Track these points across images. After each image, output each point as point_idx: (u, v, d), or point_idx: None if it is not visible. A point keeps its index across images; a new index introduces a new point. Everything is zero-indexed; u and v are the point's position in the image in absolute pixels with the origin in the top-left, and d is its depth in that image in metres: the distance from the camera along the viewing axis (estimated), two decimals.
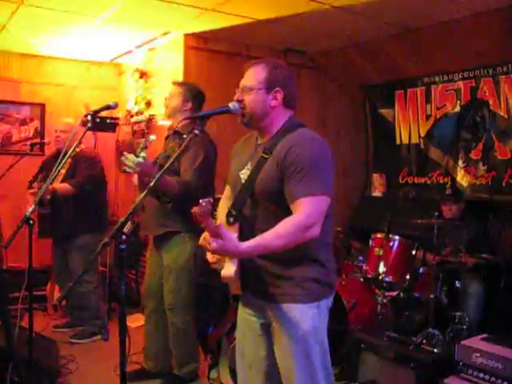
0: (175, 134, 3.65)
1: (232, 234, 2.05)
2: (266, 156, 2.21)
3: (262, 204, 2.23)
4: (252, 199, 2.25)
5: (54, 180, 3.42)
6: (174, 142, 3.61)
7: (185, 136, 3.35)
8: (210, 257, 2.29)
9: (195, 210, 1.87)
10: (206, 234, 2.08)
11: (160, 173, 2.17)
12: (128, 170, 3.18)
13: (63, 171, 4.62)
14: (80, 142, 4.69)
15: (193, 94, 3.70)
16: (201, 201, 1.85)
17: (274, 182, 2.16)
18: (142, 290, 3.84)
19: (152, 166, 3.25)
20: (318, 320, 2.25)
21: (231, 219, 2.25)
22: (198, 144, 3.42)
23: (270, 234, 2.05)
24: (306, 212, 2.06)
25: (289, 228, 2.04)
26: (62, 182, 4.59)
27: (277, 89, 2.24)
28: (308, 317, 2.22)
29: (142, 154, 3.13)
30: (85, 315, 4.87)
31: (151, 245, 3.87)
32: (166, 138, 3.79)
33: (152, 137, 3.19)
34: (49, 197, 4.45)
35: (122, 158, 3.15)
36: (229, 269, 2.21)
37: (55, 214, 4.68)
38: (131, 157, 3.12)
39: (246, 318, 2.43)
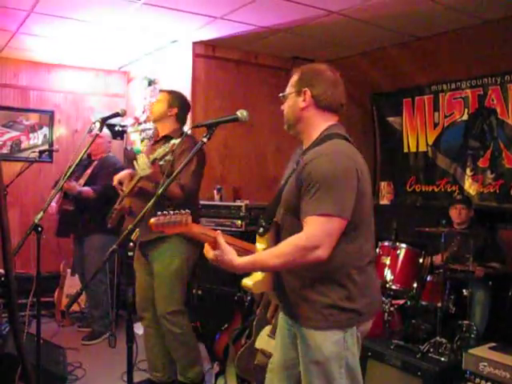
0: (165, 138, 3.62)
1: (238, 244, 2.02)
2: (295, 168, 2.12)
3: (286, 215, 2.15)
4: (281, 209, 2.18)
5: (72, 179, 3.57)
6: (162, 146, 3.36)
7: (173, 141, 3.27)
8: None
9: (152, 221, 1.90)
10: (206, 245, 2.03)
11: (169, 180, 2.20)
12: (141, 172, 3.20)
13: (89, 172, 4.91)
14: (109, 151, 5.15)
15: (178, 101, 3.71)
16: (159, 213, 1.89)
17: (293, 195, 2.07)
18: (136, 301, 3.69)
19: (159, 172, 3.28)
20: (344, 347, 2.05)
21: (261, 230, 2.15)
22: (191, 149, 3.37)
23: (267, 253, 2.01)
24: (307, 232, 1.93)
25: (286, 248, 1.94)
26: (85, 183, 4.81)
27: (304, 89, 2.14)
28: (330, 342, 2.04)
29: (168, 158, 3.15)
30: (95, 314, 4.93)
31: (138, 253, 3.70)
32: (154, 143, 3.78)
33: (174, 141, 3.17)
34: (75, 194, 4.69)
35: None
36: (250, 279, 2.13)
37: (76, 212, 4.81)
38: (143, 159, 3.17)
39: (282, 327, 2.34)
